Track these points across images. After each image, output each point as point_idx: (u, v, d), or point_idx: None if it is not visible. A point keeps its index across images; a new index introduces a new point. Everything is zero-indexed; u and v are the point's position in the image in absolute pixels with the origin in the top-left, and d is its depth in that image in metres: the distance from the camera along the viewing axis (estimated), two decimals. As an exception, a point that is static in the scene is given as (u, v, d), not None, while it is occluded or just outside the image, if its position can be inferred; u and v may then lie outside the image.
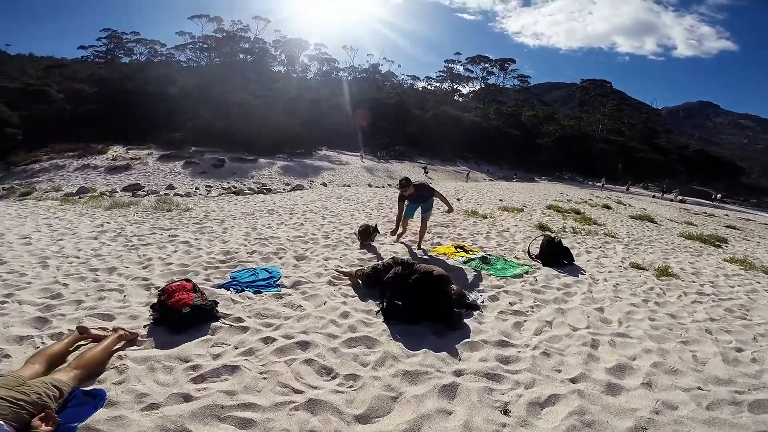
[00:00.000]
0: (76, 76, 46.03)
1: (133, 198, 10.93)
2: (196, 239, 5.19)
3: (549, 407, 2.05)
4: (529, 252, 5.17)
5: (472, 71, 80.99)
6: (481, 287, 3.75)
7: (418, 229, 5.39)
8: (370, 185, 21.40)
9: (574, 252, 5.17)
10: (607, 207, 13.81)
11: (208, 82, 45.27)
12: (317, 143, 35.74)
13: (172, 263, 4.04)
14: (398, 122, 50.68)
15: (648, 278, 4.60)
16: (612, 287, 4.11)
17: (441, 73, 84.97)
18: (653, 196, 36.27)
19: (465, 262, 4.56)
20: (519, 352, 2.57)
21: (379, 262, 3.63)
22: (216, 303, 2.98)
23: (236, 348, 2.45)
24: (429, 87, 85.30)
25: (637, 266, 5.08)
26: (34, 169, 20.38)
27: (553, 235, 5.16)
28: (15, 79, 38.91)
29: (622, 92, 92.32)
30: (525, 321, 3.07)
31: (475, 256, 4.83)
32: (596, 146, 64.88)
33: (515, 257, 5.06)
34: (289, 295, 3.25)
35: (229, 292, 3.30)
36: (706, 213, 20.76)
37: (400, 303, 2.80)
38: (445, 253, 4.91)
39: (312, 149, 33.57)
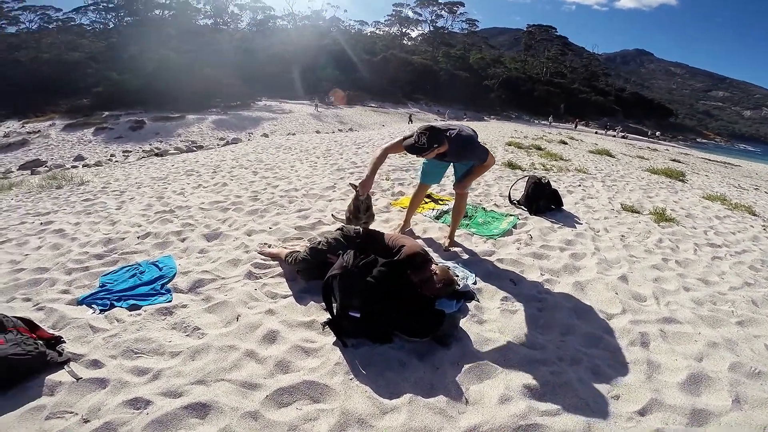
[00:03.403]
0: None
1: (30, 177, 8.69)
2: (76, 224, 3.66)
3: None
4: (510, 197, 4.29)
5: (420, 14, 78.18)
6: (466, 257, 2.79)
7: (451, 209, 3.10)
8: (318, 132, 19.53)
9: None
10: (564, 143, 13.52)
11: (120, 43, 39.01)
12: (255, 95, 32.33)
13: (24, 269, 2.60)
14: (344, 68, 48.10)
15: (649, 224, 3.94)
16: (619, 240, 3.35)
17: (389, 17, 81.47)
18: (596, 133, 37.72)
19: (437, 218, 3.56)
20: (552, 372, 1.65)
21: (322, 237, 2.36)
22: (58, 340, 1.77)
23: (85, 421, 1.35)
24: (378, 32, 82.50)
25: (630, 209, 4.42)
26: None
27: (539, 176, 4.27)
28: None
29: (566, 38, 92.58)
30: (541, 310, 2.16)
31: (447, 207, 3.83)
32: (541, 88, 66.38)
33: (495, 204, 4.16)
34: (184, 306, 2.03)
35: (91, 310, 2.05)
36: (649, 148, 21.58)
37: (357, 315, 1.72)
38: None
39: (250, 100, 30.17)
